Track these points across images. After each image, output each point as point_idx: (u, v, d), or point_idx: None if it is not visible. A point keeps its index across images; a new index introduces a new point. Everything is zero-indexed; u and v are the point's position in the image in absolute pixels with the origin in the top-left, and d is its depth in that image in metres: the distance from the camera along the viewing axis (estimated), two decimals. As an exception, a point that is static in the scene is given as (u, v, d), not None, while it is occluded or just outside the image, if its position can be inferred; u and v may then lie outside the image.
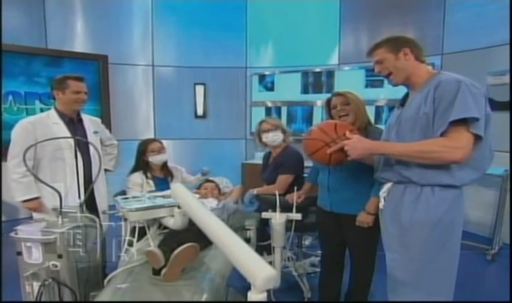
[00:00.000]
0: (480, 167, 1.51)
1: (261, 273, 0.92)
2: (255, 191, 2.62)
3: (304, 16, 5.38)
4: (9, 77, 4.43)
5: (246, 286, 1.02)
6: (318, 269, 2.90)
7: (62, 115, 2.41)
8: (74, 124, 2.45)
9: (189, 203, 1.42)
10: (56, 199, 1.87)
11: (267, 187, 2.70)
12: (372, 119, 4.23)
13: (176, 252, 1.52)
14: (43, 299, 1.74)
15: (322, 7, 5.29)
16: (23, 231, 1.76)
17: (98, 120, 2.74)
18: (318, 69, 5.16)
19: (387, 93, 4.62)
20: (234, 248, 1.04)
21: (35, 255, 1.75)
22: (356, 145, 1.60)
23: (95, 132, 2.57)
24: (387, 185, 1.65)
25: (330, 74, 5.06)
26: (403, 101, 1.69)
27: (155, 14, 5.45)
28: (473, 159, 1.46)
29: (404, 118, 1.58)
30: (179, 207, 1.66)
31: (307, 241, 3.61)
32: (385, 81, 4.66)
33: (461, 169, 1.47)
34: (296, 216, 2.17)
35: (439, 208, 1.49)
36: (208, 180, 2.86)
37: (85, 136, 2.46)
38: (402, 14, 4.67)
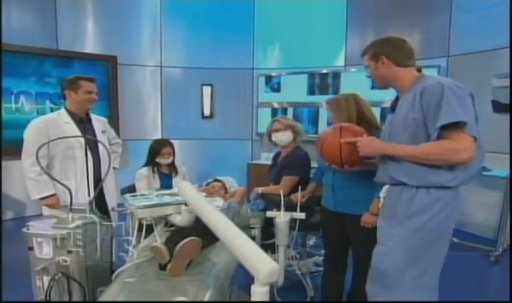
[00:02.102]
0: (471, 167, 1.51)
1: (264, 266, 0.95)
2: (259, 190, 2.65)
3: (311, 17, 5.40)
4: (20, 78, 4.52)
5: (250, 285, 1.04)
6: (321, 269, 2.92)
7: (72, 114, 2.46)
8: (84, 123, 2.51)
9: (196, 201, 1.46)
10: (67, 197, 1.91)
11: (272, 187, 2.73)
12: (378, 119, 4.26)
13: (179, 245, 1.55)
14: (52, 293, 1.79)
15: (328, 9, 5.31)
16: (35, 226, 1.80)
17: (105, 120, 2.79)
18: (324, 71, 5.18)
19: (393, 94, 4.61)
20: (239, 243, 1.07)
21: (45, 251, 1.79)
22: (368, 143, 1.65)
23: (103, 132, 2.63)
24: (386, 187, 1.69)
25: (336, 75, 5.07)
26: (394, 106, 1.70)
27: (164, 16, 5.51)
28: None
29: (395, 122, 1.60)
30: (186, 204, 1.69)
31: (311, 241, 3.62)
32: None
33: (452, 170, 1.48)
34: (300, 215, 2.20)
35: (432, 208, 1.51)
36: (216, 180, 2.91)
37: (94, 135, 2.52)
38: (409, 16, 4.67)
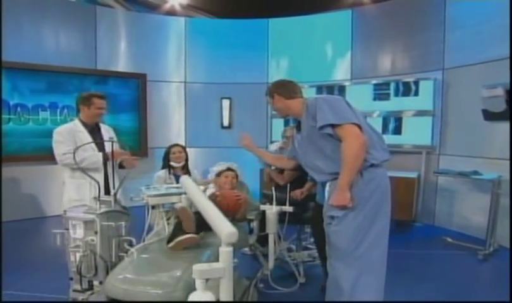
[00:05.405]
0: (378, 144, 1.88)
1: (225, 229, 1.25)
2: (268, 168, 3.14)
3: (320, 36, 5.74)
4: (65, 94, 5.10)
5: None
6: (312, 259, 3.20)
7: (85, 124, 2.87)
8: (94, 131, 2.90)
9: (190, 188, 1.79)
10: (91, 192, 2.27)
11: (278, 175, 3.16)
12: (380, 129, 4.55)
13: (177, 239, 1.85)
14: (82, 266, 2.13)
15: (335, 28, 5.63)
16: (71, 211, 2.17)
17: (112, 129, 3.14)
18: (331, 84, 5.44)
19: (393, 105, 4.81)
20: (211, 213, 1.39)
21: (78, 232, 2.15)
22: (339, 198, 1.84)
23: (111, 138, 2.97)
24: (328, 183, 1.97)
25: (341, 88, 5.32)
26: (298, 128, 2.08)
27: (188, 37, 6.00)
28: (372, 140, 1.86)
29: (303, 137, 2.00)
30: (186, 194, 2.02)
31: (313, 238, 3.84)
32: (392, 95, 4.87)
33: (369, 152, 1.81)
34: (288, 208, 2.48)
35: (367, 188, 1.81)
36: (229, 169, 2.96)
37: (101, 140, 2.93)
38: (407, 34, 4.88)
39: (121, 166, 2.93)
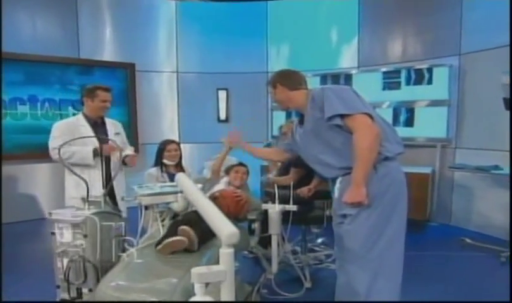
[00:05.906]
0: (391, 135, 1.90)
1: (225, 229, 1.26)
2: (270, 176, 3.11)
3: (324, 20, 5.73)
4: (46, 86, 5.09)
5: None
6: (319, 262, 3.21)
7: (88, 118, 2.95)
8: (98, 126, 2.97)
9: (186, 186, 1.80)
10: (84, 190, 2.28)
11: (282, 178, 3.11)
12: (390, 120, 4.55)
13: (165, 241, 1.88)
14: (70, 273, 2.14)
15: (341, 11, 5.60)
16: (57, 214, 2.18)
17: (119, 124, 3.22)
18: (336, 72, 5.45)
19: (404, 95, 4.82)
20: (210, 213, 1.40)
21: (65, 235, 2.16)
22: (354, 194, 1.82)
23: (117, 134, 3.06)
24: (339, 179, 1.98)
25: (348, 77, 5.33)
26: (301, 121, 2.10)
27: (179, 23, 5.98)
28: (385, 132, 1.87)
29: (307, 131, 2.01)
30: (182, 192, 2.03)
31: (320, 239, 3.88)
32: (403, 83, 4.84)
33: (382, 144, 1.82)
34: (292, 207, 2.50)
35: (382, 183, 1.82)
36: (241, 164, 3.02)
37: (106, 136, 2.96)
38: (419, 16, 4.87)
39: (124, 162, 2.98)
